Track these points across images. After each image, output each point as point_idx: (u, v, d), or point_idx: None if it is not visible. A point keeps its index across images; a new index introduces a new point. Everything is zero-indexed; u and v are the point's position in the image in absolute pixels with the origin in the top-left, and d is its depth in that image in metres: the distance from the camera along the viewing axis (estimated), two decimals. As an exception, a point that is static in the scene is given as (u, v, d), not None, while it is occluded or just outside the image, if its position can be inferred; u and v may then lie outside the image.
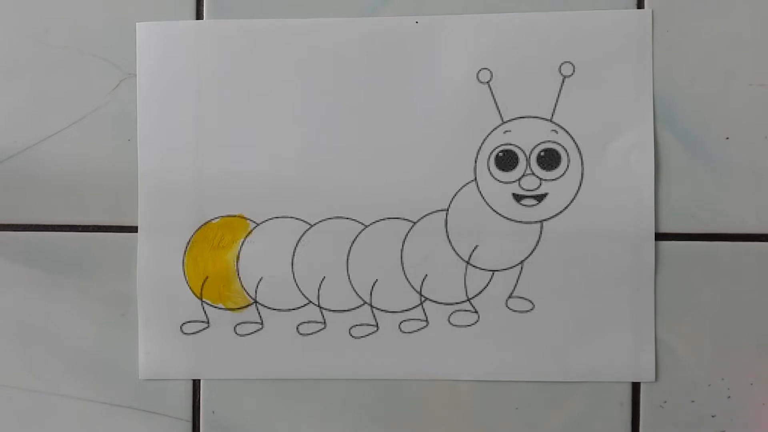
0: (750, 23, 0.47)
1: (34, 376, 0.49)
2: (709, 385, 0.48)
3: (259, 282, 0.48)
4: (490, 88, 0.47)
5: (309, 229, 0.48)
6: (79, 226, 0.49)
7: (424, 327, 0.48)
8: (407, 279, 0.48)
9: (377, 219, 0.48)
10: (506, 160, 0.47)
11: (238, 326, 0.49)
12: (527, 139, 0.47)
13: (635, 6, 0.47)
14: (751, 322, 0.47)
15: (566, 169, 0.47)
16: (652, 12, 0.47)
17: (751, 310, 0.47)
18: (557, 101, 0.47)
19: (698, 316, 0.47)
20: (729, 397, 0.48)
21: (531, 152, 0.47)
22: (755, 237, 0.47)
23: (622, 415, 0.48)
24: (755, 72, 0.47)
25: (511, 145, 0.47)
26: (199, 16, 0.48)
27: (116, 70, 0.49)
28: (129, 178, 0.48)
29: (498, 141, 0.47)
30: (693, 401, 0.48)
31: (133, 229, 0.48)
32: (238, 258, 0.48)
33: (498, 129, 0.47)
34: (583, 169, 0.47)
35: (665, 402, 0.48)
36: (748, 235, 0.47)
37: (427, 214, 0.48)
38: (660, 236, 0.47)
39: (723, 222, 0.47)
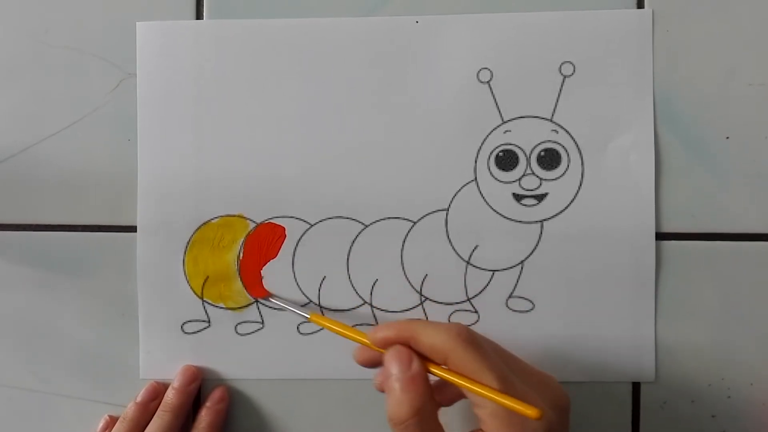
0: (750, 23, 0.47)
1: (34, 376, 0.49)
2: (709, 385, 0.48)
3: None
4: (491, 88, 0.47)
5: (309, 228, 0.48)
6: (79, 226, 0.49)
7: (425, 327, 0.48)
8: (407, 279, 0.48)
9: (377, 219, 0.48)
10: (506, 159, 0.47)
11: (238, 326, 0.49)
12: (527, 138, 0.47)
13: (635, 6, 0.47)
14: (751, 322, 0.47)
15: (566, 169, 0.47)
16: (653, 12, 0.47)
17: (751, 310, 0.47)
18: (557, 101, 0.47)
19: (698, 316, 0.47)
20: (729, 397, 0.48)
21: (531, 152, 0.47)
22: (755, 237, 0.47)
23: (622, 415, 0.48)
24: (755, 72, 0.47)
25: (511, 144, 0.47)
26: (199, 16, 0.48)
27: (116, 70, 0.49)
28: (129, 178, 0.48)
29: (498, 141, 0.47)
30: (693, 401, 0.48)
31: (133, 229, 0.48)
32: (238, 257, 0.48)
33: (498, 129, 0.47)
34: (583, 168, 0.47)
35: (665, 402, 0.48)
36: (748, 235, 0.47)
37: (427, 214, 0.48)
38: (660, 236, 0.47)
39: (723, 222, 0.47)
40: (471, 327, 0.47)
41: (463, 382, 0.36)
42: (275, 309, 0.48)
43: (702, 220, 0.47)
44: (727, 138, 0.47)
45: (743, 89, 0.47)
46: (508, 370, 0.37)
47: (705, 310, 0.47)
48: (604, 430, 0.48)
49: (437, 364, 0.38)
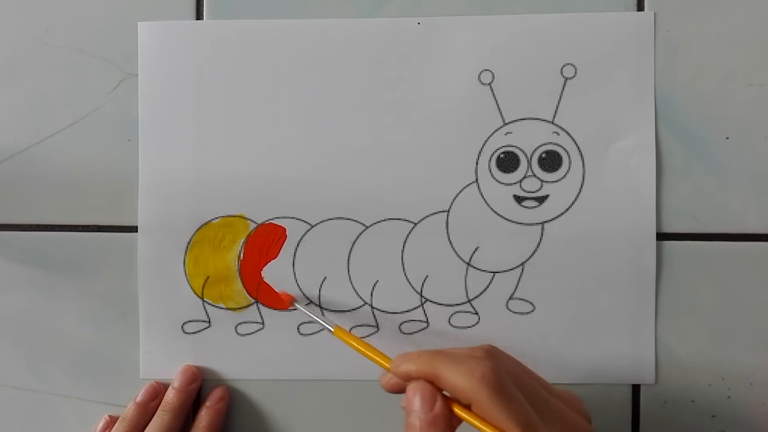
0: (750, 23, 0.47)
1: (34, 376, 0.49)
2: (709, 385, 0.48)
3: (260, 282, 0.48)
4: (492, 90, 0.47)
5: (310, 229, 0.48)
6: (79, 226, 0.49)
7: (425, 328, 0.48)
8: (408, 280, 0.48)
9: (378, 220, 0.48)
10: (507, 161, 0.47)
11: (239, 326, 0.49)
12: (529, 140, 0.47)
13: (636, 8, 0.47)
14: (751, 322, 0.47)
15: (567, 171, 0.47)
16: (654, 14, 0.47)
17: (751, 310, 0.47)
18: (559, 103, 0.47)
19: (698, 316, 0.47)
20: (729, 397, 0.48)
21: (532, 154, 0.47)
22: (755, 237, 0.47)
23: (622, 415, 0.48)
24: (755, 72, 0.47)
25: (512, 146, 0.47)
26: (199, 16, 0.48)
27: (116, 70, 0.48)
28: (129, 178, 0.48)
29: (499, 142, 0.47)
30: (693, 401, 0.48)
31: (133, 229, 0.48)
32: (239, 258, 0.48)
33: (499, 131, 0.47)
34: (584, 170, 0.47)
35: (665, 402, 0.48)
36: (748, 235, 0.47)
37: (428, 215, 0.48)
38: (661, 236, 0.47)
39: (723, 222, 0.47)
40: (471, 328, 0.48)
41: (487, 430, 0.35)
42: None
43: (702, 221, 0.47)
44: (727, 138, 0.47)
45: (743, 89, 0.47)
46: (535, 413, 0.36)
47: (705, 310, 0.48)
48: (604, 430, 0.48)
49: (461, 404, 0.36)
